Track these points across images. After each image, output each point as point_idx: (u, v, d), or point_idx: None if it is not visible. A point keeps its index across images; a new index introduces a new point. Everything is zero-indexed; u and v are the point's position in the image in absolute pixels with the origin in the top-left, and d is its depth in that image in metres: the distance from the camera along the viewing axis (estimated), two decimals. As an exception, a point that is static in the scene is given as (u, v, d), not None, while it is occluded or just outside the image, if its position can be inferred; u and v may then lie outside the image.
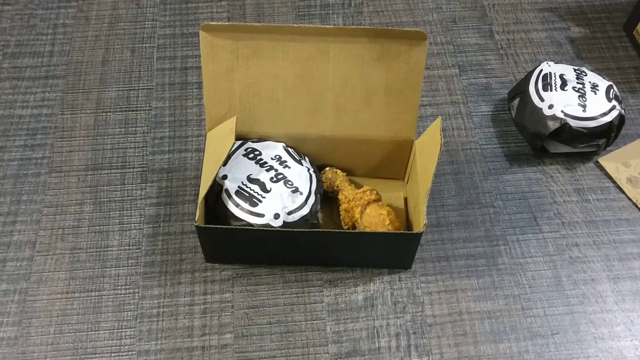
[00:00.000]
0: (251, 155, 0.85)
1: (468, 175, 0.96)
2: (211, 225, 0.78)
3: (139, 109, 1.02)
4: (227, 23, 0.78)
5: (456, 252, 0.89)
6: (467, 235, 0.90)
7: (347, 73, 0.81)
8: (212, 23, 0.78)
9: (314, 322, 0.83)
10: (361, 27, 0.78)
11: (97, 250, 0.88)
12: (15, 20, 1.12)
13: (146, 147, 0.98)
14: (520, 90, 0.99)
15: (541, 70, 0.98)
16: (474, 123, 1.02)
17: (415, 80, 0.82)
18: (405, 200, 0.92)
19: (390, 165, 0.91)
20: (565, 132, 0.93)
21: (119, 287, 0.85)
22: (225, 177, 0.83)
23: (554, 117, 0.93)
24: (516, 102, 0.99)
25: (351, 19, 1.13)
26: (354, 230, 0.84)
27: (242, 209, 0.81)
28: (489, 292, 0.86)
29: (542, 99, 0.95)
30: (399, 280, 0.86)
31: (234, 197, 0.81)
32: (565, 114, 0.93)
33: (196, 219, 0.77)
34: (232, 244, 0.83)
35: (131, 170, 0.95)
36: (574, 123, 0.92)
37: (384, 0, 1.16)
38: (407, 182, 0.92)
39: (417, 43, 0.79)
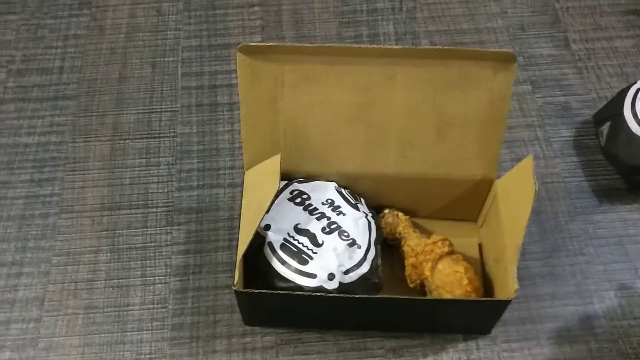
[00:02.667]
0: (298, 200, 0.71)
1: (551, 215, 0.81)
2: (253, 290, 0.64)
3: (162, 135, 0.88)
4: (270, 43, 0.64)
5: (542, 312, 0.74)
6: (555, 291, 0.76)
7: (416, 101, 0.67)
8: (251, 44, 0.64)
9: (376, 402, 0.69)
10: (435, 47, 0.64)
11: (116, 309, 0.75)
12: (21, 31, 0.99)
13: (171, 181, 0.84)
14: (611, 112, 0.84)
15: (638, 90, 0.82)
16: (554, 151, 0.86)
17: (500, 111, 0.67)
18: (480, 246, 0.77)
19: (461, 206, 0.76)
20: (671, 165, 0.78)
21: (142, 356, 0.72)
22: (268, 227, 0.69)
23: (657, 148, 0.78)
24: (606, 127, 0.84)
25: (403, 26, 0.98)
26: (428, 297, 0.69)
27: (290, 267, 0.67)
28: (586, 363, 0.71)
29: (641, 124, 0.80)
30: (477, 349, 0.72)
31: (279, 252, 0.67)
32: (672, 144, 0.77)
33: (234, 282, 0.64)
34: (277, 309, 0.69)
35: (154, 210, 0.82)
36: (682, 154, 0.77)
37: (440, 5, 1.01)
38: (481, 226, 0.78)
39: (505, 66, 0.64)
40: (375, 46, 0.63)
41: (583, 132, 0.88)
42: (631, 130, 0.80)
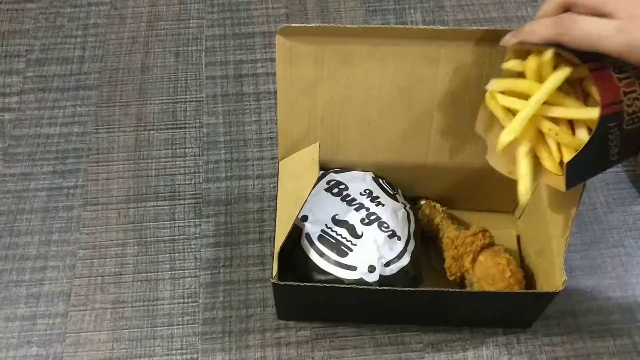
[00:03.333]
0: (335, 190, 0.69)
1: (589, 206, 0.79)
2: (292, 283, 0.62)
3: (187, 125, 0.86)
4: (312, 25, 0.62)
5: (584, 305, 0.72)
6: (596, 284, 0.74)
7: (460, 86, 0.65)
8: (292, 25, 0.62)
9: (417, 398, 0.67)
10: (483, 28, 0.61)
11: (145, 303, 0.73)
12: (40, 20, 0.96)
13: (199, 173, 0.82)
14: None
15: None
16: (590, 141, 0.85)
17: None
18: (518, 238, 0.75)
19: (498, 197, 0.74)
20: None
21: (174, 352, 0.69)
22: (305, 218, 0.67)
23: (699, 136, 0.76)
24: None
25: (431, 14, 0.96)
26: (474, 290, 0.67)
27: (328, 259, 0.64)
28: (631, 357, 0.69)
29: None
30: (518, 343, 0.70)
31: (317, 243, 0.65)
32: None
33: (273, 274, 0.61)
34: (314, 302, 0.67)
35: (182, 202, 0.79)
36: None
37: (468, -8, 0.99)
38: (519, 217, 0.76)
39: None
40: (421, 27, 0.60)
41: (618, 122, 0.86)
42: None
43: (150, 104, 0.88)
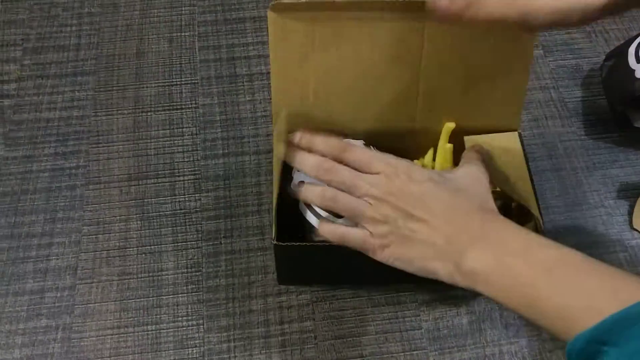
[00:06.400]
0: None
1: (570, 171, 0.83)
2: (293, 243, 0.65)
3: (184, 107, 0.89)
4: (302, 0, 0.65)
5: (568, 262, 0.76)
6: (579, 241, 0.78)
7: (445, 54, 0.68)
8: (283, 1, 0.65)
9: (414, 352, 0.70)
10: (465, -1, 0.65)
11: (150, 274, 0.75)
12: (35, 10, 0.99)
13: (196, 150, 0.85)
14: (618, 51, 0.86)
15: (642, 38, 0.85)
16: (569, 111, 0.89)
17: (525, 59, 0.69)
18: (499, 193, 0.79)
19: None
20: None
21: (180, 319, 0.72)
22: (302, 184, 0.70)
23: (648, 84, 0.80)
24: (611, 62, 0.86)
25: (414, -4, 1.00)
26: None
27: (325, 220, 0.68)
28: (613, 309, 0.73)
29: (639, 61, 0.82)
30: (507, 298, 0.74)
31: (314, 206, 0.69)
32: (669, 85, 0.80)
33: (273, 236, 0.64)
34: (315, 263, 0.70)
35: (181, 178, 0.82)
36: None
37: (449, -25, 1.02)
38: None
39: (530, 17, 0.66)
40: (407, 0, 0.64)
41: (595, 92, 0.90)
42: (629, 64, 0.82)
43: (147, 87, 0.90)
